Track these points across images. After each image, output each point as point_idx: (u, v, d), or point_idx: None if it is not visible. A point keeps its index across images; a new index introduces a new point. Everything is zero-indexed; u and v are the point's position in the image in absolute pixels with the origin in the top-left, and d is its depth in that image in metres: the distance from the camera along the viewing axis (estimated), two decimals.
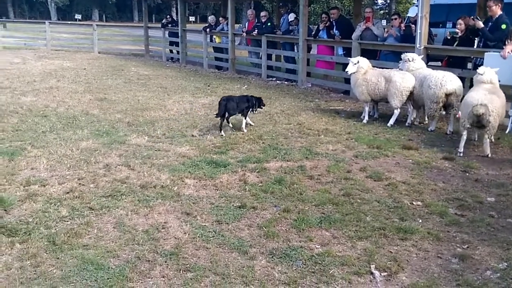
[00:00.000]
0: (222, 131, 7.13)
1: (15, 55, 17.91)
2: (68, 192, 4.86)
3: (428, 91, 7.17)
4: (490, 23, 7.99)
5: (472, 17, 8.35)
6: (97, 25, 21.72)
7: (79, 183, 5.12)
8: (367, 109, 8.19)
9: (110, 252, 3.74)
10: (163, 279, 3.41)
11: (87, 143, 6.59)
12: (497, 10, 7.80)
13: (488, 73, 6.51)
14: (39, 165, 5.69)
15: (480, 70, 6.55)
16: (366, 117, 8.10)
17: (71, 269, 3.48)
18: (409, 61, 7.77)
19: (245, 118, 7.39)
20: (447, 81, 7.06)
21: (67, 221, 4.25)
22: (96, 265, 3.53)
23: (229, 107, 7.13)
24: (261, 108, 7.73)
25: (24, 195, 4.78)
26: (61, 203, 4.60)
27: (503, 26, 7.72)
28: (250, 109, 7.43)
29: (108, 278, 3.39)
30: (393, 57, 9.81)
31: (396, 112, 7.71)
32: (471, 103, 6.08)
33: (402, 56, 7.98)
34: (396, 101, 7.59)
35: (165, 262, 3.62)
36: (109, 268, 3.51)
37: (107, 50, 20.09)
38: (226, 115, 7.23)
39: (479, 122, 6.10)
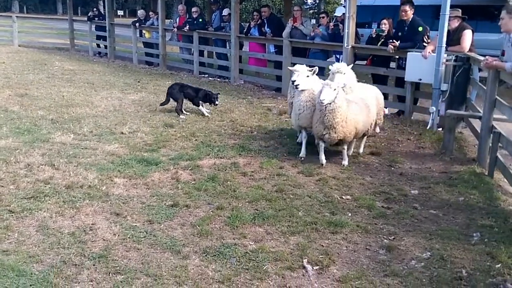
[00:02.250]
0: (183, 112, 8.11)
1: None
2: None
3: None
4: (406, 27, 8.29)
5: (390, 43, 8.15)
6: (17, 16, 20.37)
7: None
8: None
9: (32, 257, 3.52)
10: (91, 283, 3.26)
11: (6, 141, 6.16)
12: (410, 14, 8.21)
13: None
14: None
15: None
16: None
17: None
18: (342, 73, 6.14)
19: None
20: None
21: None
22: (17, 271, 3.31)
23: (184, 93, 8.13)
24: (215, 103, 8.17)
25: None
26: None
27: (420, 29, 8.10)
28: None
29: (31, 285, 3.19)
30: (321, 55, 10.09)
31: None
32: None
33: (336, 68, 6.21)
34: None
35: (93, 265, 3.46)
36: (32, 274, 3.30)
37: (28, 44, 18.92)
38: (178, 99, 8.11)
39: None
